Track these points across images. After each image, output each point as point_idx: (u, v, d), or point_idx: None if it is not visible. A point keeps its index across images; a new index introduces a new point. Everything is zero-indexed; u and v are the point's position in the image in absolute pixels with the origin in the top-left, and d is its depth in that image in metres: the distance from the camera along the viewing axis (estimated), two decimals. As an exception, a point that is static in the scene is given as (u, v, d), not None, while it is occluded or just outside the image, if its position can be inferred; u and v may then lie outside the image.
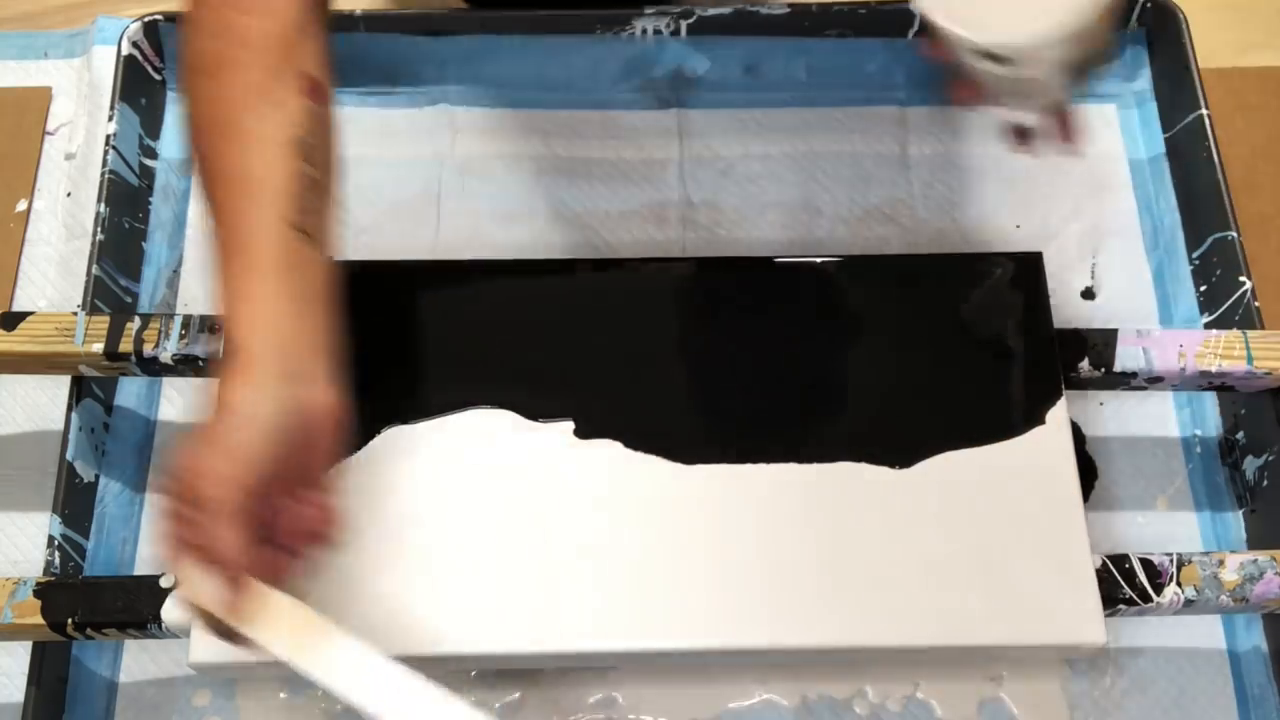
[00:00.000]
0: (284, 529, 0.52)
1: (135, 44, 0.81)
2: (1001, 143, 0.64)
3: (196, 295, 0.79)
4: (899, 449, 0.66)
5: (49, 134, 0.85)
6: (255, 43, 0.56)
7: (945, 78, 0.61)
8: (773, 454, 0.66)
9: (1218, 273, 0.77)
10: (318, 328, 0.55)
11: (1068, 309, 0.79)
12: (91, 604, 0.64)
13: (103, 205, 0.76)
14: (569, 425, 0.67)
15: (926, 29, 0.56)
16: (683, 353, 0.69)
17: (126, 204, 0.79)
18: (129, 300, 0.77)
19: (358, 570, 0.63)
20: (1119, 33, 0.57)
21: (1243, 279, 0.75)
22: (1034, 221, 0.82)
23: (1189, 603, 0.64)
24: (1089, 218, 0.82)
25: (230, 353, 0.51)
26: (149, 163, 0.82)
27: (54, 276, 0.80)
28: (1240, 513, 0.74)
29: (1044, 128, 0.62)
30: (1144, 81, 0.86)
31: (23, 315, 0.70)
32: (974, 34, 0.53)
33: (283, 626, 0.50)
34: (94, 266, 0.74)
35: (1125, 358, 0.70)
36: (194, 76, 0.56)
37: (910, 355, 0.69)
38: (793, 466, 0.66)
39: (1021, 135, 0.62)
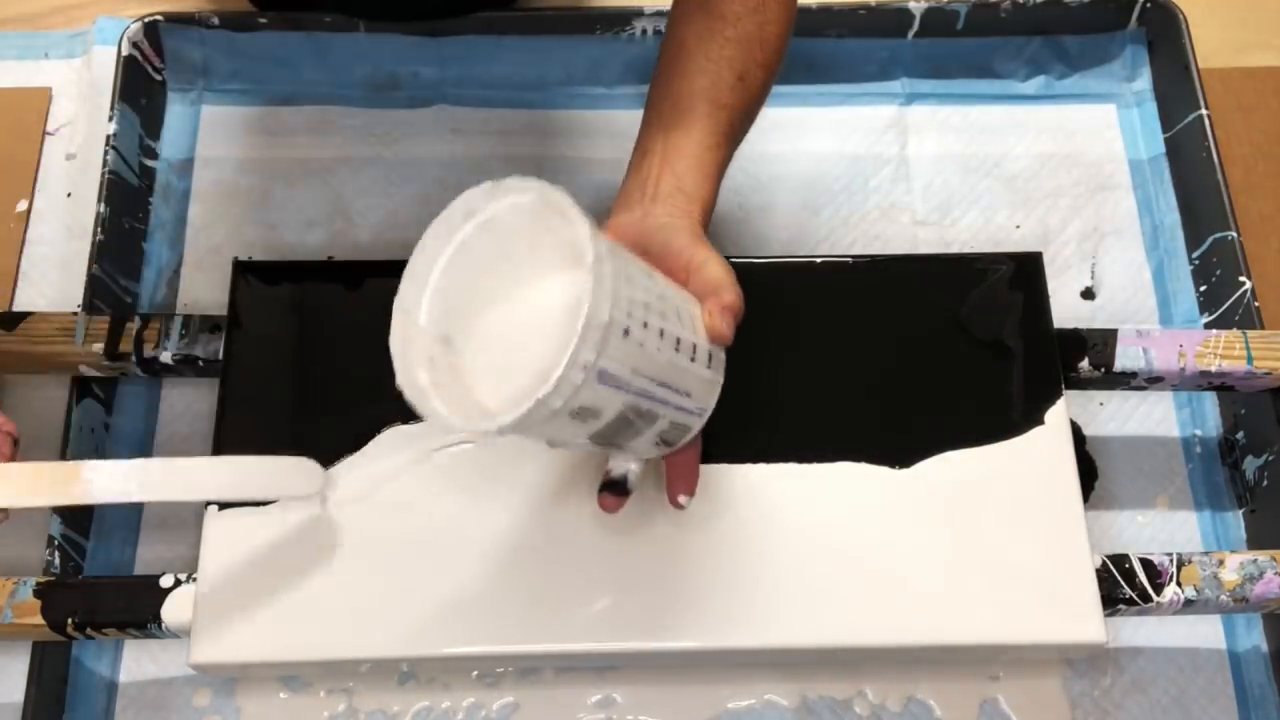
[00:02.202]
0: None
1: (135, 44, 0.81)
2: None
3: (196, 295, 0.79)
4: (899, 449, 0.66)
5: (49, 134, 0.85)
6: None
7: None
8: (773, 454, 0.66)
9: (1218, 273, 0.77)
10: None
11: (1068, 309, 0.79)
12: (91, 604, 0.64)
13: (103, 205, 0.76)
14: (569, 425, 0.67)
15: None
16: (683, 353, 0.69)
17: (126, 204, 0.79)
18: (129, 300, 0.77)
19: (358, 570, 0.63)
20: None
21: (1243, 279, 0.75)
22: (1034, 221, 0.82)
23: (1189, 603, 0.64)
24: (1089, 218, 0.82)
25: None
26: (149, 163, 0.82)
27: (54, 276, 0.80)
28: (1240, 513, 0.74)
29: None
30: (1144, 81, 0.86)
31: (23, 315, 0.70)
32: (452, 420, 0.49)
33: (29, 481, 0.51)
34: (94, 266, 0.74)
35: (1125, 358, 0.70)
36: None
37: (910, 355, 0.69)
38: (793, 466, 0.66)
39: (607, 489, 0.58)
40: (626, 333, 0.48)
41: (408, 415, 0.67)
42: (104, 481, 0.51)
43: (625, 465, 0.57)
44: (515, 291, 0.53)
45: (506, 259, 0.52)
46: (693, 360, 0.54)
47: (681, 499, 0.60)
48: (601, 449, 0.56)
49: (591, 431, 0.51)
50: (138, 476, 0.51)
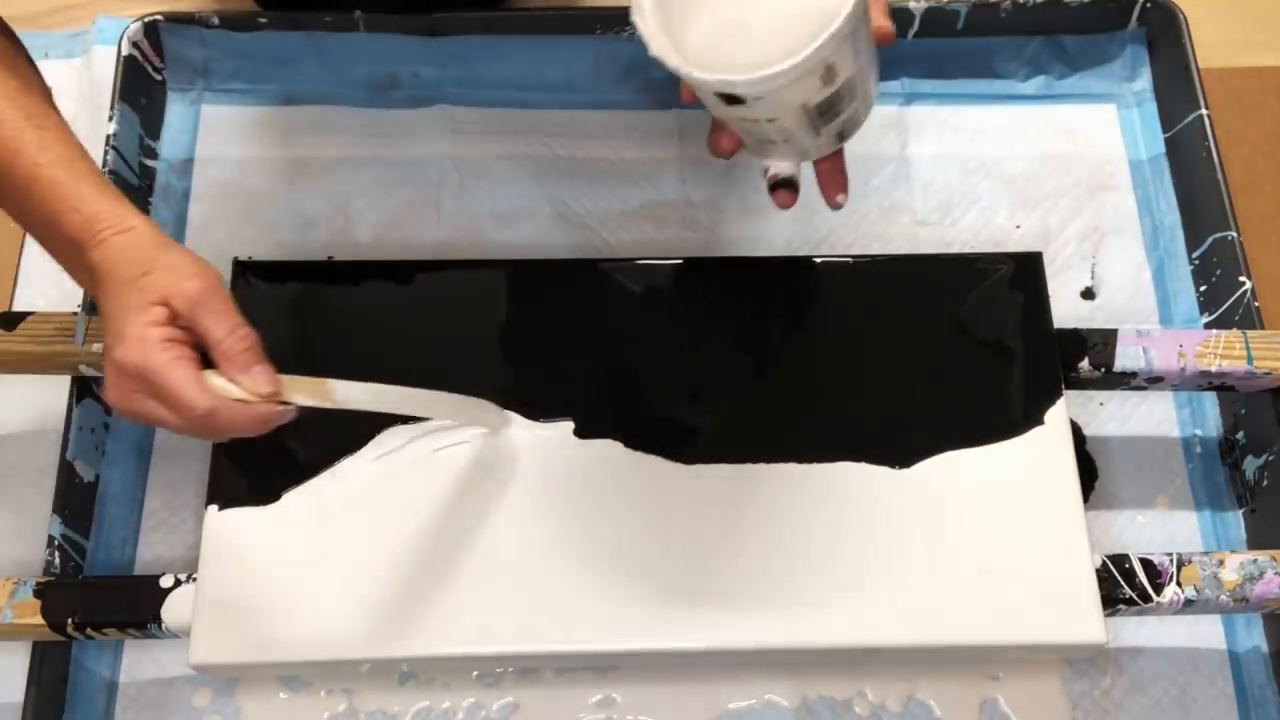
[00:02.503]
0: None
1: (135, 44, 0.81)
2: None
3: (196, 295, 0.79)
4: (899, 449, 0.66)
5: (49, 134, 0.85)
6: None
7: (711, 127, 0.60)
8: (773, 454, 0.66)
9: (1218, 273, 0.77)
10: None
11: (1068, 309, 0.79)
12: (91, 604, 0.64)
13: (103, 205, 0.76)
14: (569, 424, 0.67)
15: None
16: (683, 353, 0.69)
17: (126, 204, 0.79)
18: (129, 300, 0.77)
19: (358, 570, 0.63)
20: (873, 82, 0.58)
21: (1243, 279, 0.75)
22: (1034, 221, 0.82)
23: (1189, 603, 0.64)
24: (1089, 218, 0.82)
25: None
26: (149, 163, 0.82)
27: (54, 276, 0.80)
28: (1240, 513, 0.74)
29: (815, 176, 0.61)
30: (1144, 81, 0.86)
31: (23, 315, 0.70)
32: (703, 74, 0.51)
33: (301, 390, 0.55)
34: (94, 266, 0.74)
35: (1125, 358, 0.70)
36: None
37: (910, 355, 0.69)
38: (793, 466, 0.66)
39: (781, 187, 0.60)
40: (865, 13, 0.53)
41: (407, 416, 0.67)
42: (348, 393, 0.56)
43: (785, 166, 0.59)
44: None
45: None
46: (871, 62, 0.57)
47: (840, 198, 0.62)
48: (773, 146, 0.58)
49: (821, 97, 0.53)
50: (374, 396, 0.57)
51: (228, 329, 0.53)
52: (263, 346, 0.54)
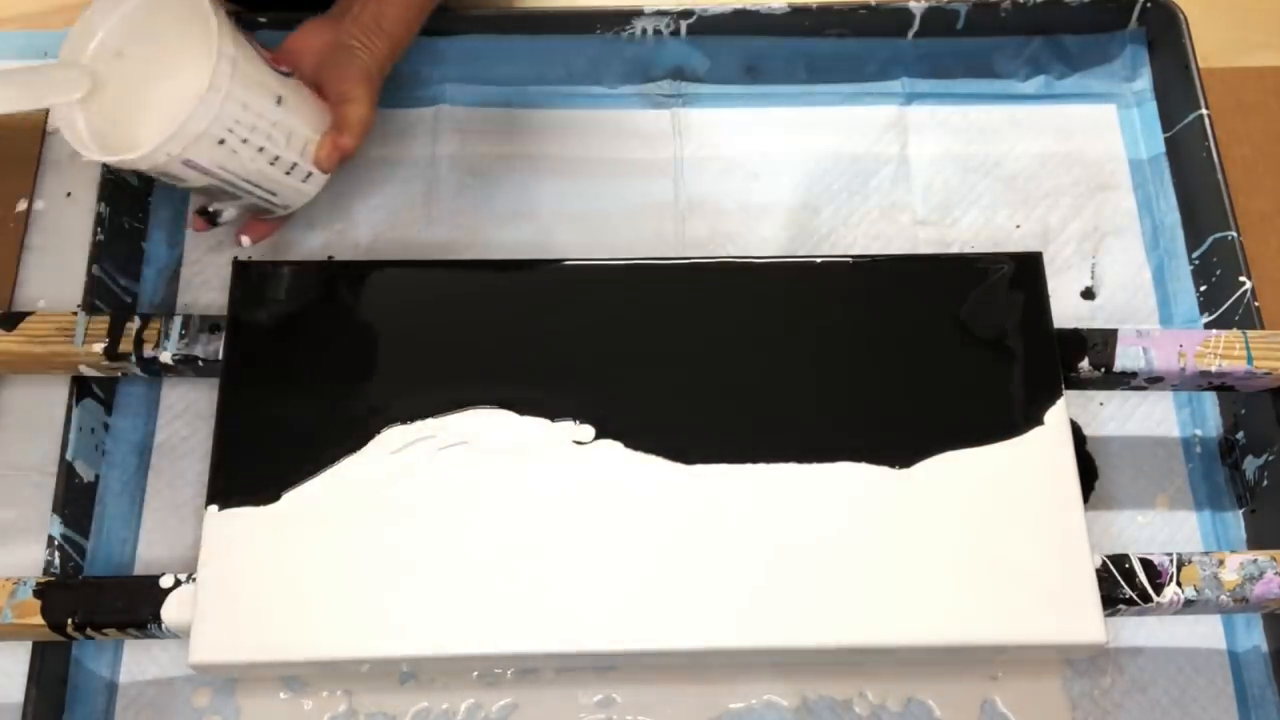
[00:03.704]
0: None
1: (135, 44, 0.81)
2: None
3: (196, 295, 0.79)
4: (899, 449, 0.66)
5: (49, 134, 0.85)
6: None
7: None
8: (773, 454, 0.66)
9: (1218, 273, 0.77)
10: None
11: (1068, 309, 0.79)
12: (91, 604, 0.64)
13: (103, 205, 0.76)
14: (569, 425, 0.67)
15: None
16: (683, 353, 0.69)
17: (126, 204, 0.79)
18: (129, 300, 0.77)
19: (358, 570, 0.63)
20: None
21: (1243, 279, 0.75)
22: (1034, 221, 0.82)
23: (1189, 603, 0.64)
24: (1089, 218, 0.82)
25: None
26: (149, 163, 0.82)
27: (54, 276, 0.80)
28: (1240, 513, 0.74)
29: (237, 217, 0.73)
30: (1144, 81, 0.86)
31: (23, 315, 0.70)
32: (83, 149, 0.63)
33: None
34: (94, 266, 0.74)
35: (1125, 358, 0.70)
36: None
37: (910, 355, 0.69)
38: (793, 466, 0.66)
39: (201, 214, 0.72)
40: (221, 141, 0.64)
41: (408, 415, 0.67)
42: None
43: (222, 207, 0.71)
44: (169, 60, 0.66)
45: (162, 35, 0.65)
46: (287, 174, 0.69)
47: (244, 240, 0.74)
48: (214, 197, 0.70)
49: (186, 187, 0.67)
50: None
51: None
52: None
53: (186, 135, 0.62)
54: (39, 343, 0.69)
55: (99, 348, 0.69)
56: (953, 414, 0.67)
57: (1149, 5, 0.84)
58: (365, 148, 0.83)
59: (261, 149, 0.66)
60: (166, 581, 0.64)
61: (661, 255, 0.79)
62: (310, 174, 0.71)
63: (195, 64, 0.63)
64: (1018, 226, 0.82)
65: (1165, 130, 0.84)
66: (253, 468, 0.66)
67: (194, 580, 0.64)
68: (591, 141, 0.84)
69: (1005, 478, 0.66)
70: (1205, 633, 0.71)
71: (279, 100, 0.66)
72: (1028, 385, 0.68)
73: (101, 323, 0.70)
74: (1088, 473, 0.74)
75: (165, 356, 0.70)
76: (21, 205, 0.82)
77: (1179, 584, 0.64)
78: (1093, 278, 0.80)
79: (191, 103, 0.61)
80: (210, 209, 0.71)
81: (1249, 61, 0.89)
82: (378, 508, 0.65)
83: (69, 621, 0.63)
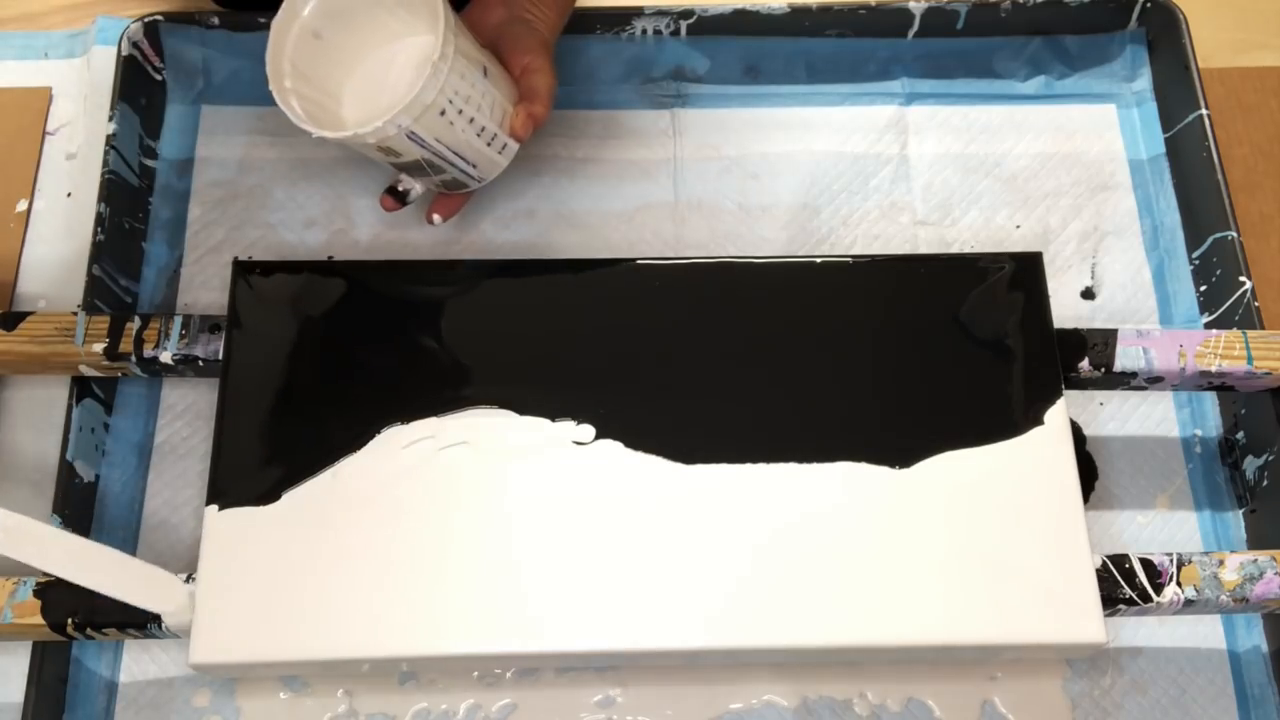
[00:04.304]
0: None
1: (135, 44, 0.81)
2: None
3: (196, 295, 0.79)
4: (899, 449, 0.66)
5: (49, 134, 0.85)
6: None
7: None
8: (773, 454, 0.66)
9: (1218, 273, 0.77)
10: None
11: (1068, 309, 0.79)
12: (91, 604, 0.64)
13: (103, 205, 0.76)
14: (569, 425, 0.67)
15: None
16: (683, 353, 0.69)
17: (126, 204, 0.79)
18: (129, 300, 0.77)
19: (358, 570, 0.63)
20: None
21: (1243, 279, 0.75)
22: (1034, 221, 0.82)
23: (1189, 603, 0.64)
24: (1089, 218, 0.82)
25: None
26: (149, 163, 0.82)
27: (54, 276, 0.80)
28: (1240, 513, 0.74)
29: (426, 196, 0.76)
30: (1144, 81, 0.86)
31: (23, 315, 0.70)
32: (312, 128, 0.65)
33: None
34: (94, 266, 0.74)
35: (1125, 358, 0.70)
36: None
37: (910, 355, 0.69)
38: (793, 466, 0.66)
39: (390, 193, 0.73)
40: (442, 113, 0.65)
41: (408, 415, 0.67)
42: None
43: (411, 184, 0.73)
44: (391, 29, 0.69)
45: (354, 17, 0.68)
46: (489, 145, 0.71)
47: (435, 218, 0.76)
48: (407, 174, 0.72)
49: (394, 162, 0.69)
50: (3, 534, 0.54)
51: None
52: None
53: (418, 106, 0.63)
54: (39, 343, 0.69)
55: (99, 348, 0.69)
56: (953, 414, 0.67)
57: (1149, 5, 0.84)
58: (365, 148, 0.84)
59: (472, 120, 0.68)
60: (166, 581, 0.64)
61: (661, 255, 0.79)
62: (505, 145, 0.72)
63: (389, 41, 0.68)
64: (1018, 226, 0.82)
65: (1165, 130, 0.84)
66: (253, 468, 0.66)
67: (194, 580, 0.64)
68: (591, 141, 0.84)
69: (1005, 478, 0.66)
70: (1205, 633, 0.71)
71: (485, 71, 0.67)
72: (1028, 385, 0.68)
73: (101, 323, 0.70)
74: (1088, 473, 0.74)
75: (165, 356, 0.70)
76: (21, 205, 0.82)
77: (1179, 584, 0.64)
78: (1093, 278, 0.80)
79: (422, 74, 0.63)
80: (400, 188, 0.73)
81: (1249, 61, 0.89)
82: (378, 508, 0.65)
83: (69, 621, 0.63)
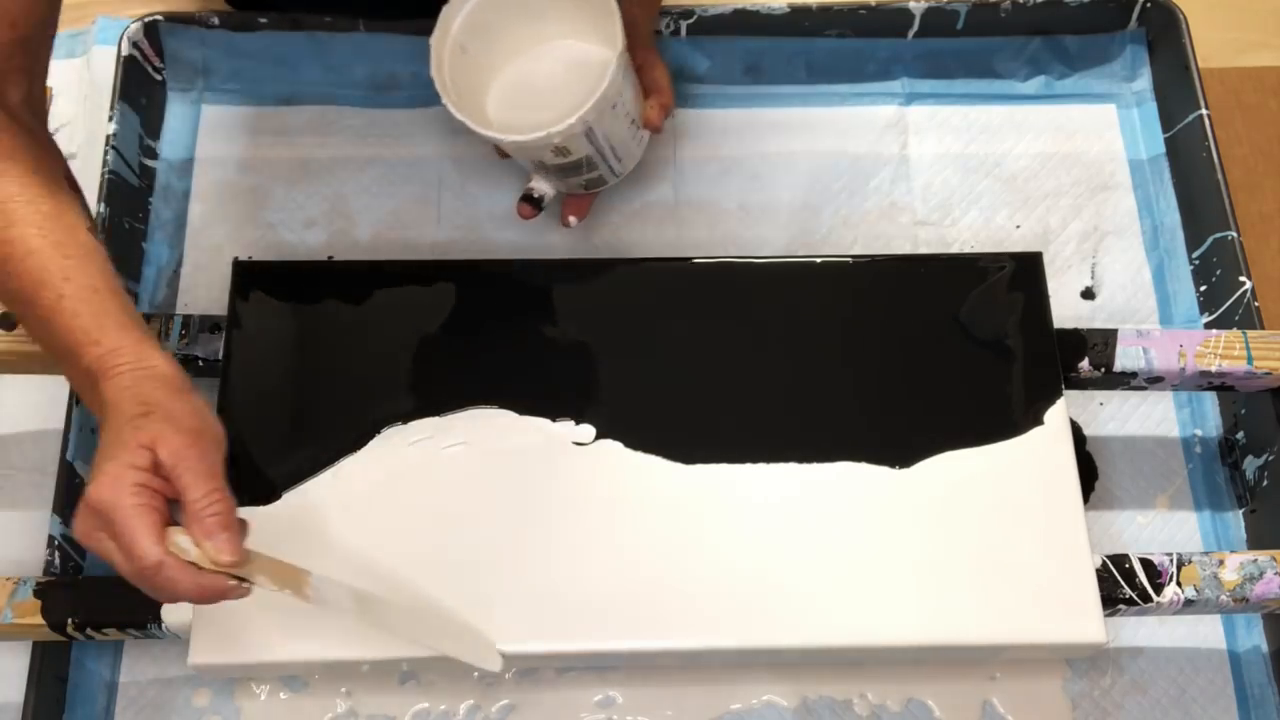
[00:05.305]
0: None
1: (135, 44, 0.81)
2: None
3: (196, 295, 0.79)
4: (899, 449, 0.66)
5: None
6: None
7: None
8: (773, 454, 0.66)
9: (1218, 273, 0.77)
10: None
11: (1068, 309, 0.79)
12: (91, 604, 0.64)
13: (103, 205, 0.76)
14: (569, 425, 0.67)
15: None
16: (683, 353, 0.69)
17: (126, 204, 0.79)
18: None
19: (358, 570, 0.63)
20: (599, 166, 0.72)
21: (1243, 279, 0.75)
22: (1034, 221, 0.82)
23: (1189, 603, 0.64)
24: (1089, 218, 0.82)
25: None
26: (149, 163, 0.82)
27: (54, 276, 0.80)
28: (1240, 513, 0.74)
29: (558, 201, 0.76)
30: (1144, 81, 0.86)
31: (23, 315, 0.70)
32: (466, 120, 0.67)
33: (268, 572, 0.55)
34: (94, 266, 0.74)
35: (1125, 358, 0.70)
36: None
37: (910, 355, 0.69)
38: (793, 466, 0.66)
39: (526, 200, 0.74)
40: (614, 107, 0.68)
41: (407, 415, 0.67)
42: (327, 593, 0.56)
43: (544, 188, 0.74)
44: (530, 37, 0.72)
45: (527, 9, 0.70)
46: (633, 138, 0.73)
47: (571, 220, 0.77)
48: (537, 172, 0.74)
49: (556, 162, 0.70)
50: (354, 603, 0.56)
51: (204, 491, 0.52)
52: (239, 526, 0.53)
53: (606, 100, 0.66)
54: (39, 343, 0.69)
55: (99, 348, 0.69)
56: (953, 414, 0.67)
57: (1149, 5, 0.84)
58: (365, 147, 0.84)
59: (627, 112, 0.70)
60: (166, 581, 0.64)
61: (661, 255, 0.79)
62: (643, 138, 0.75)
63: (523, 51, 0.72)
64: (1018, 226, 0.82)
65: (1165, 130, 0.84)
66: (253, 468, 0.66)
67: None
68: (591, 141, 0.84)
69: (1005, 478, 0.66)
70: (1205, 633, 0.71)
71: (629, 65, 0.69)
72: (1028, 385, 0.68)
73: (101, 323, 0.70)
74: (1088, 473, 0.74)
75: (165, 356, 0.70)
76: (21, 205, 0.82)
77: (1179, 584, 0.64)
78: (1093, 278, 0.80)
79: (606, 70, 0.65)
80: (535, 194, 0.74)
81: (1249, 61, 0.89)
82: (377, 507, 0.65)
83: (69, 621, 0.63)
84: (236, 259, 0.73)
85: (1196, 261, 0.79)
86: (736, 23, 0.83)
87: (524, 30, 0.71)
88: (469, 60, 0.70)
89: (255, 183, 0.83)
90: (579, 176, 0.73)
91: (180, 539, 0.52)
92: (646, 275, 0.72)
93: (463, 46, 0.69)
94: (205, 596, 0.53)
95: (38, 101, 0.61)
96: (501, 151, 0.77)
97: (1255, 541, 0.72)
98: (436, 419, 0.67)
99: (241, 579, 0.53)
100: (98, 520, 0.52)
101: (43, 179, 0.58)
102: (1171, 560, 0.64)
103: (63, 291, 0.55)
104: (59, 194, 0.59)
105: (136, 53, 0.82)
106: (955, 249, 0.81)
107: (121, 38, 0.81)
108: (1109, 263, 0.81)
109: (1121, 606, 0.64)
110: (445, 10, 0.69)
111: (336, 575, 0.63)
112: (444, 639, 0.60)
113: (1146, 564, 0.64)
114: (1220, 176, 0.78)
